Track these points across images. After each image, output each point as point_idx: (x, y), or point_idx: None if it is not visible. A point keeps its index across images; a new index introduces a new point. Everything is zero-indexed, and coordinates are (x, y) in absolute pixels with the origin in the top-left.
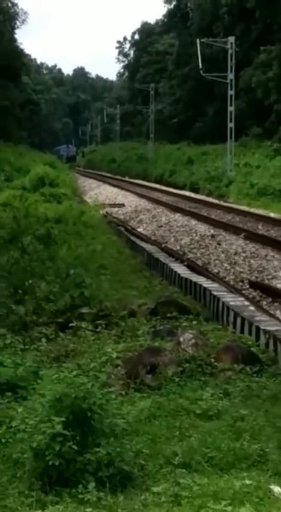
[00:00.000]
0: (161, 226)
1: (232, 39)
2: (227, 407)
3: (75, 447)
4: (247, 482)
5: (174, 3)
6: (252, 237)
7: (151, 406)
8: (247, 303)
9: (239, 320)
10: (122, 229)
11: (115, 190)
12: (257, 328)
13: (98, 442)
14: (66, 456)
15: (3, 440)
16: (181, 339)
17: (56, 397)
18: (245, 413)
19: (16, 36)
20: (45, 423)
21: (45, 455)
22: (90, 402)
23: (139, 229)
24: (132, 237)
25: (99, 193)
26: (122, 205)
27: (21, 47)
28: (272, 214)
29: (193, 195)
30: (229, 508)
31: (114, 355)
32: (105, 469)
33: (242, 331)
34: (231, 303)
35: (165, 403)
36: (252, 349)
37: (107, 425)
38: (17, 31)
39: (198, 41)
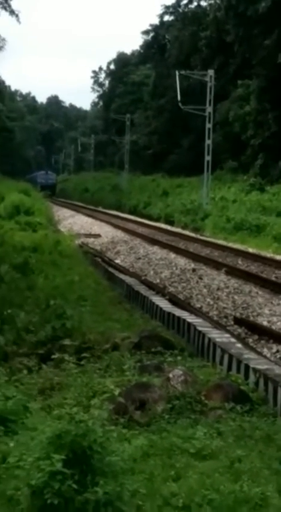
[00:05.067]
0: (140, 258)
1: (211, 72)
2: (221, 447)
3: (74, 486)
4: None
5: (151, 34)
6: (233, 272)
7: (144, 444)
8: (233, 339)
9: (226, 357)
10: (99, 260)
11: (90, 220)
12: (247, 366)
13: (96, 481)
14: (65, 495)
15: None
16: (171, 375)
17: (55, 434)
18: (241, 454)
19: None
20: (44, 460)
21: (44, 494)
22: (90, 440)
23: (117, 261)
24: (110, 269)
25: (74, 222)
26: (98, 235)
27: None
28: (250, 250)
29: (168, 227)
30: None
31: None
32: (104, 509)
33: (229, 369)
34: (217, 340)
35: (158, 441)
36: (242, 387)
37: (106, 464)
38: None
39: (177, 72)
